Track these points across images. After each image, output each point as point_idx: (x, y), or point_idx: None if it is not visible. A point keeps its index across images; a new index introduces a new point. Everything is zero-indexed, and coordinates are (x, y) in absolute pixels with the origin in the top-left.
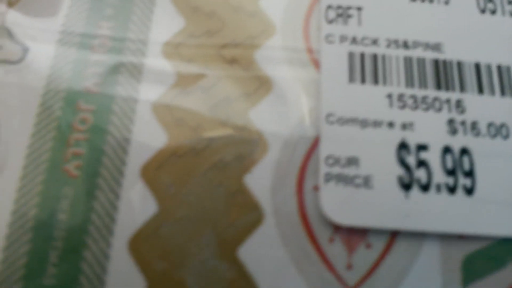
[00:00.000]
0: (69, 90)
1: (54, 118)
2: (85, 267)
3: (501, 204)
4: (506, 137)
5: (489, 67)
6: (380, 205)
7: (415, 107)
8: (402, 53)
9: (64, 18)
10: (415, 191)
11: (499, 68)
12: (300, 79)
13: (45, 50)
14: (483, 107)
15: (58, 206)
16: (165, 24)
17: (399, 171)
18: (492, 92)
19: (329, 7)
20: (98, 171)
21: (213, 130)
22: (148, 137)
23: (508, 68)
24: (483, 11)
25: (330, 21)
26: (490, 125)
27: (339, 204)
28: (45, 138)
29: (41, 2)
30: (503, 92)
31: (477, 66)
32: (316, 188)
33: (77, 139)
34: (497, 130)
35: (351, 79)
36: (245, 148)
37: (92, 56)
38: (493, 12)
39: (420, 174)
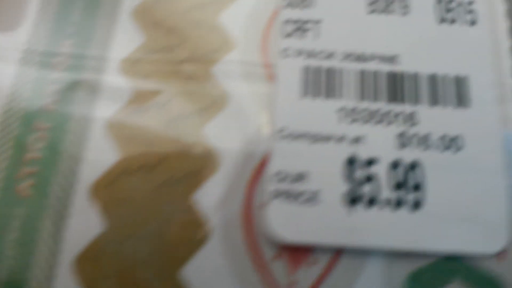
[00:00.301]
0: (27, 109)
1: (11, 137)
2: (31, 285)
3: (449, 219)
4: (459, 149)
5: (445, 78)
6: (326, 221)
7: (367, 121)
8: (357, 66)
9: (28, 36)
10: (360, 206)
11: (456, 78)
12: (256, 94)
13: (6, 69)
14: (437, 119)
15: (9, 225)
16: (125, 40)
17: (346, 186)
18: (448, 103)
19: (287, 21)
20: (50, 189)
21: (165, 147)
22: (101, 155)
23: (465, 79)
24: (442, 21)
25: (288, 35)
26: (443, 137)
27: (285, 221)
28: (1, 157)
29: (6, 20)
30: (459, 103)
31: (433, 78)
32: (264, 204)
33: (32, 158)
34: (450, 142)
35: (305, 93)
36: (196, 164)
37: (52, 74)
38: (452, 21)
39: (367, 188)
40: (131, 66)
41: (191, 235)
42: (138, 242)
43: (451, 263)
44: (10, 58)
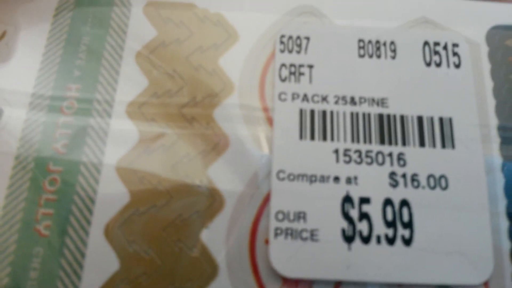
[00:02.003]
0: (39, 152)
1: (26, 180)
2: None
3: (437, 253)
4: (445, 188)
5: (431, 119)
6: (325, 257)
7: (360, 162)
8: (349, 109)
9: (35, 81)
10: (357, 243)
11: (441, 120)
12: (255, 136)
13: (17, 113)
14: (424, 159)
15: (30, 264)
16: (130, 85)
17: (343, 224)
18: (433, 144)
19: (283, 65)
20: (65, 230)
21: (173, 187)
22: (111, 197)
23: (449, 120)
24: (428, 64)
25: (283, 79)
26: (429, 177)
27: (287, 257)
28: (18, 200)
29: (14, 66)
30: (443, 145)
31: (420, 120)
32: (267, 242)
33: (46, 199)
34: (436, 182)
35: (302, 135)
36: (202, 204)
37: (61, 118)
38: (438, 64)
39: (362, 226)
40: (137, 109)
41: (200, 272)
42: (148, 281)
43: None
44: (19, 103)
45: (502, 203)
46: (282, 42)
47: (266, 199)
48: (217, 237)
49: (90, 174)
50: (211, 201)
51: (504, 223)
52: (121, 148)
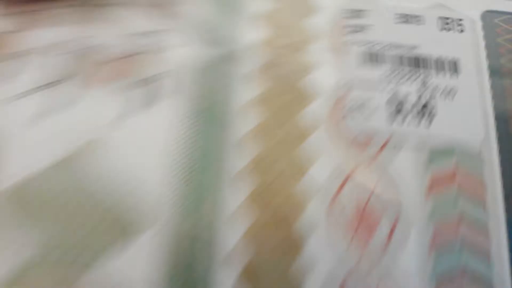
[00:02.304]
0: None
1: None
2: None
3: (455, 125)
4: (454, 95)
5: (446, 58)
6: (378, 127)
7: (402, 77)
8: (392, 50)
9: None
10: (399, 118)
11: (452, 59)
12: (333, 63)
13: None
14: (441, 80)
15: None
16: (255, 32)
17: (392, 107)
18: (447, 71)
19: (348, 25)
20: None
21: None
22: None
23: (458, 59)
24: (442, 28)
25: (348, 33)
26: (445, 89)
27: (355, 124)
28: None
29: None
30: (453, 72)
31: (439, 57)
32: (344, 117)
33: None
34: (450, 92)
35: (359, 64)
36: (303, 96)
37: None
38: (449, 30)
39: (404, 108)
40: (259, 47)
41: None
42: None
43: (452, 148)
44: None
45: (489, 106)
46: (347, 12)
47: (340, 98)
48: (315, 115)
49: (227, 87)
50: (310, 95)
51: (490, 113)
52: (249, 65)
